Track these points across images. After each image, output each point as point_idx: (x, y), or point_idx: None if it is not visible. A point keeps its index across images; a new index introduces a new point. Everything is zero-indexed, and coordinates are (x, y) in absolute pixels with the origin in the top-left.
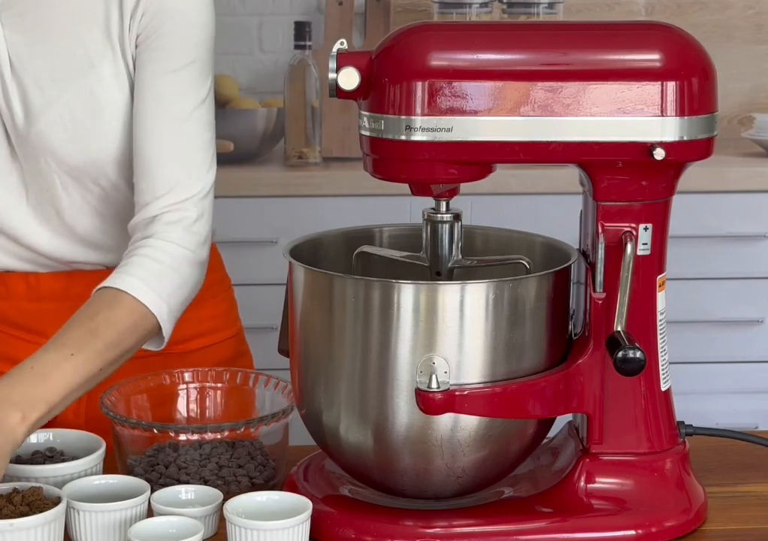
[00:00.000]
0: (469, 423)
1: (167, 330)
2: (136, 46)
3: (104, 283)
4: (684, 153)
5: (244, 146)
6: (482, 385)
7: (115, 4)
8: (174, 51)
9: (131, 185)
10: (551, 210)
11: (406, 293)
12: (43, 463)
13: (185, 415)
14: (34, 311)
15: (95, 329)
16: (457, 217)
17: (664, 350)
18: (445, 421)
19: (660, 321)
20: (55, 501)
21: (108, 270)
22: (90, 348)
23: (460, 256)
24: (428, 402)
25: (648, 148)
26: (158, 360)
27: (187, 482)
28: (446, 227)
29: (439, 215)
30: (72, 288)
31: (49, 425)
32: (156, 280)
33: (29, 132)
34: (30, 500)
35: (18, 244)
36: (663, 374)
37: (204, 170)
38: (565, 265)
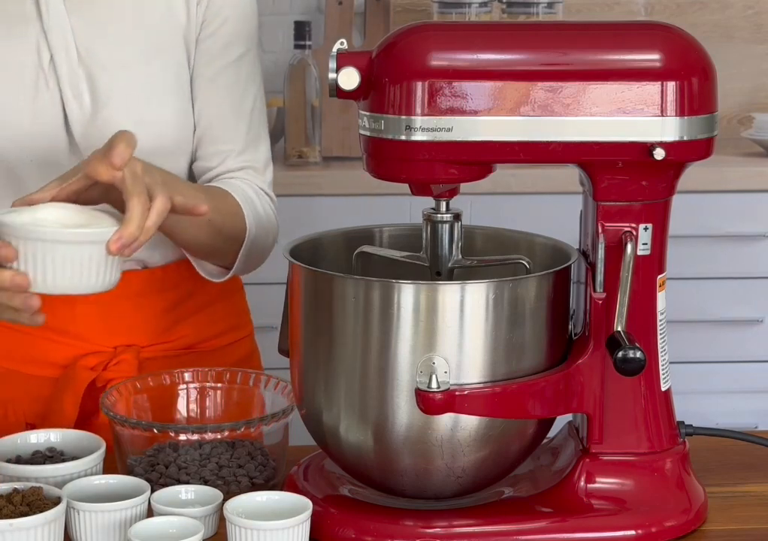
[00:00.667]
0: (469, 423)
1: (240, 261)
2: (198, 33)
3: (216, 184)
4: (684, 153)
5: None
6: (482, 385)
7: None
8: (238, 39)
9: (187, 174)
10: (551, 210)
11: (406, 293)
12: (43, 463)
13: (185, 415)
14: (68, 313)
15: (211, 193)
16: (457, 217)
17: (664, 350)
18: (445, 421)
19: (660, 321)
20: (55, 501)
21: (144, 270)
22: (204, 197)
23: (460, 256)
24: (428, 402)
25: (648, 148)
26: (176, 361)
27: (187, 482)
28: (446, 227)
29: (439, 215)
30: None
31: (49, 425)
32: (251, 210)
33: (96, 119)
34: (30, 500)
35: None
36: (663, 374)
37: (264, 142)
38: (565, 265)
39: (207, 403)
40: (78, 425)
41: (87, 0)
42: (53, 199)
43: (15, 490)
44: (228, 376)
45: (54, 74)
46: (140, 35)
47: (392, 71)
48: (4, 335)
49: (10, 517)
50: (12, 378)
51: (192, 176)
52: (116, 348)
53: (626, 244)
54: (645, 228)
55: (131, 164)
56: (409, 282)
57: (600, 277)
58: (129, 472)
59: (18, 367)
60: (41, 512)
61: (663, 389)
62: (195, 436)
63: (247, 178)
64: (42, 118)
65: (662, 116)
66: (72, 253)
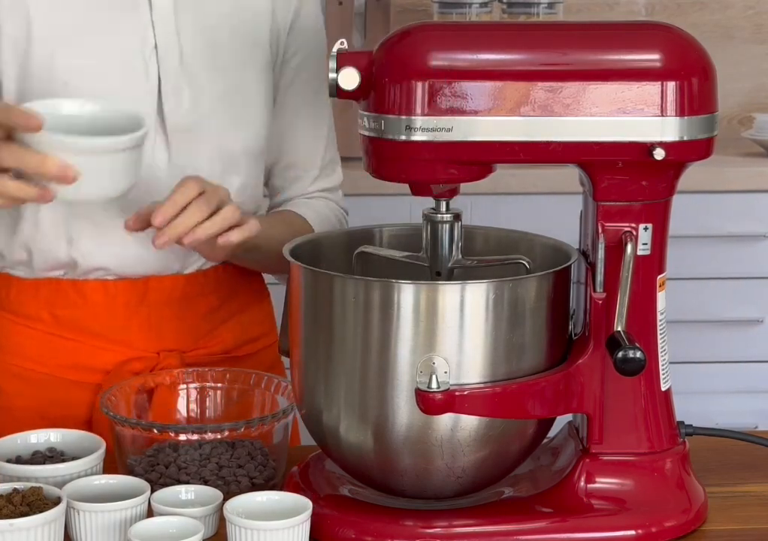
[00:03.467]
0: (469, 423)
1: None
2: (283, 56)
3: (289, 208)
4: (684, 153)
5: None
6: (482, 385)
7: (272, 17)
8: (315, 70)
9: (258, 185)
10: (551, 210)
11: (406, 293)
12: (43, 463)
13: (185, 415)
14: (112, 319)
15: (285, 221)
16: (457, 217)
17: (664, 350)
18: (445, 421)
19: (660, 321)
20: (56, 501)
21: (186, 275)
22: (285, 228)
23: (460, 256)
24: (428, 402)
25: (648, 148)
26: (216, 366)
27: (187, 482)
28: (446, 227)
29: (439, 215)
30: (149, 294)
31: (49, 425)
32: (321, 223)
33: (191, 117)
34: (30, 500)
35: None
36: (663, 374)
37: (338, 165)
38: (565, 265)
39: (207, 403)
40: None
41: (195, 2)
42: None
43: (15, 490)
44: (228, 376)
45: (156, 65)
46: (238, 42)
47: (392, 71)
48: (46, 341)
49: (10, 517)
50: (48, 383)
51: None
52: (159, 353)
53: (626, 244)
54: (645, 228)
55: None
56: (409, 282)
57: (600, 277)
58: (129, 472)
59: (59, 372)
60: (41, 512)
61: (663, 389)
62: (195, 436)
63: (323, 197)
64: (136, 104)
65: (662, 116)
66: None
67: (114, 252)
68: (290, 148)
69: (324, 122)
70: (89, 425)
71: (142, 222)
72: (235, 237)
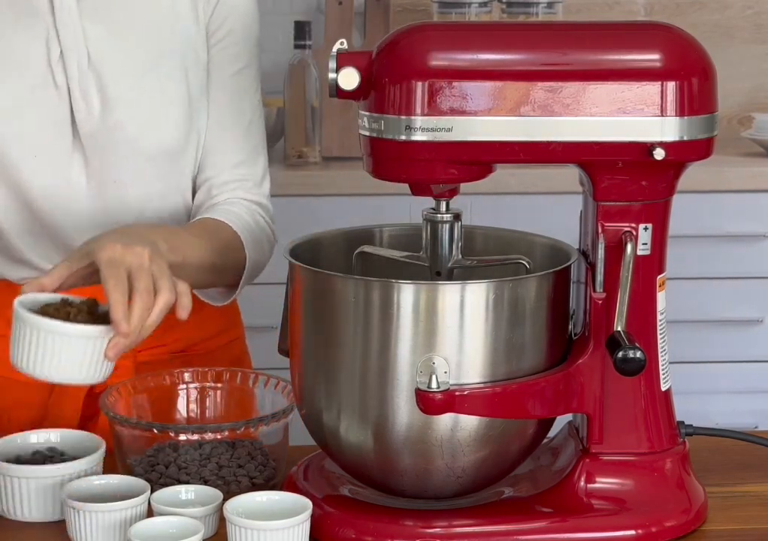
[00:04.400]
0: (469, 423)
1: (242, 283)
2: (208, 41)
3: (206, 215)
4: (684, 153)
5: None
6: (482, 385)
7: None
8: (241, 51)
9: (190, 183)
10: (551, 210)
11: (406, 293)
12: (43, 463)
13: (185, 415)
14: None
15: (209, 234)
16: (457, 217)
17: (664, 350)
18: (445, 421)
19: (660, 321)
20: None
21: None
22: (205, 244)
23: (460, 256)
24: (428, 402)
25: (648, 148)
26: (170, 364)
27: (187, 482)
28: (446, 227)
29: (439, 215)
30: (99, 295)
31: (49, 425)
32: (250, 235)
33: (105, 122)
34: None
35: (65, 244)
36: (663, 374)
37: (262, 154)
38: (565, 265)
39: (207, 403)
40: (78, 425)
41: (100, 4)
42: (61, 285)
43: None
44: (228, 376)
45: (63, 71)
46: (149, 41)
47: (392, 71)
48: None
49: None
50: (6, 386)
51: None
52: None
53: (626, 244)
54: (645, 228)
55: (129, 257)
56: (409, 282)
57: (600, 277)
58: (129, 472)
59: (12, 374)
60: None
61: (663, 389)
62: (195, 436)
63: (244, 197)
64: (47, 113)
65: (662, 116)
66: (69, 345)
67: (42, 263)
68: (210, 134)
69: (246, 106)
70: (41, 426)
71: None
72: (185, 304)
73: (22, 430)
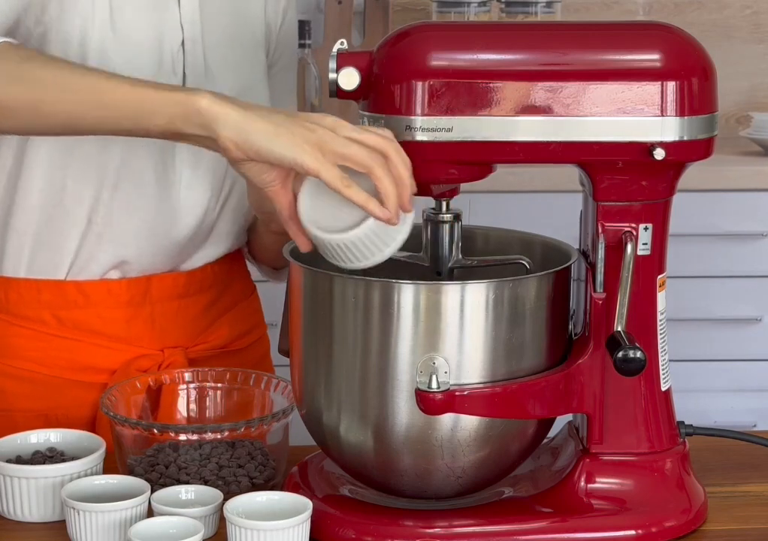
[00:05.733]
0: (469, 423)
1: None
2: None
3: None
4: (684, 153)
5: None
6: (482, 385)
7: (264, 21)
8: (290, 74)
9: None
10: (551, 209)
11: (406, 293)
12: (43, 463)
13: (185, 415)
14: (115, 318)
15: None
16: (457, 217)
17: (664, 350)
18: (445, 421)
19: (661, 321)
20: None
21: (185, 272)
22: None
23: (460, 256)
24: (428, 402)
25: (648, 148)
26: (216, 360)
27: (187, 482)
28: (446, 227)
29: (439, 215)
30: (151, 292)
31: (49, 425)
32: None
33: None
34: None
35: (160, 235)
36: (663, 374)
37: None
38: (565, 265)
39: (207, 403)
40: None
41: (216, 2)
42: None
43: None
44: (228, 376)
45: (182, 62)
46: (248, 41)
47: (392, 71)
48: (47, 342)
49: None
50: (53, 385)
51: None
52: (163, 350)
53: (626, 244)
54: (645, 228)
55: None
56: (409, 282)
57: (600, 277)
58: (129, 472)
59: (63, 374)
60: None
61: (663, 389)
62: (195, 436)
63: None
64: None
65: (662, 116)
66: None
67: (116, 253)
68: None
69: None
70: (92, 426)
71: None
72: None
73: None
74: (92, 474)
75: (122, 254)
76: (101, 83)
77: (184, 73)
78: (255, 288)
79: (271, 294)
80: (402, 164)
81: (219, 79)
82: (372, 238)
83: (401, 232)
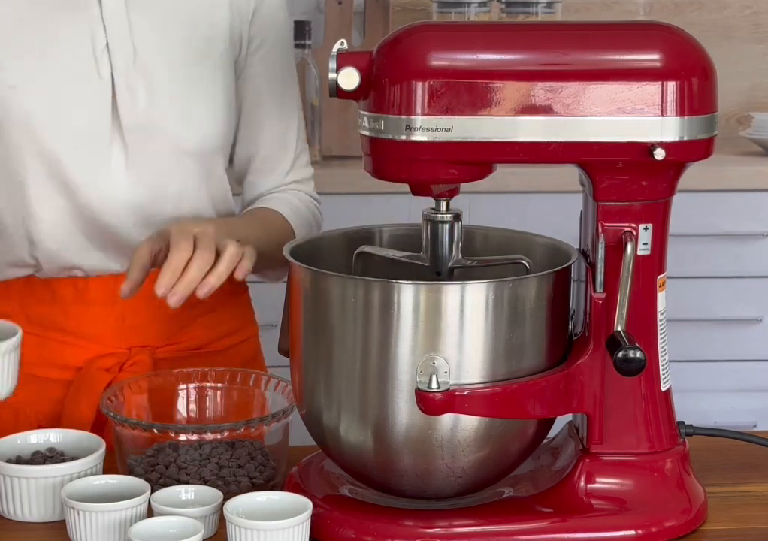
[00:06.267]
0: (469, 423)
1: None
2: (247, 48)
3: (259, 205)
4: (684, 153)
5: None
6: (482, 385)
7: (230, 9)
8: (281, 60)
9: (224, 177)
10: (551, 209)
11: (406, 293)
12: (43, 463)
13: (185, 415)
14: (82, 315)
15: (260, 223)
16: (457, 217)
17: (664, 350)
18: (445, 421)
19: (661, 321)
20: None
21: (154, 272)
22: (257, 233)
23: (460, 256)
24: (428, 402)
25: (648, 148)
26: (187, 361)
27: (187, 482)
28: (446, 227)
29: (439, 215)
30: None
31: (65, 422)
32: (299, 219)
33: (148, 115)
34: None
35: (100, 235)
36: (663, 374)
37: (307, 156)
38: (565, 265)
39: (207, 403)
40: (95, 427)
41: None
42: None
43: None
44: (228, 376)
45: (108, 63)
46: (193, 37)
47: (392, 71)
48: None
49: None
50: (24, 380)
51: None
52: (130, 349)
53: (626, 244)
54: (646, 228)
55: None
56: (409, 282)
57: (600, 277)
58: (129, 472)
59: (30, 369)
60: None
61: (663, 389)
62: (195, 436)
63: (294, 179)
64: (90, 105)
65: (662, 116)
66: None
67: (79, 255)
68: (261, 141)
69: (293, 113)
70: (58, 422)
71: (137, 288)
72: (246, 266)
73: (39, 425)
74: (92, 474)
75: (84, 257)
76: None
77: (112, 75)
78: (247, 290)
79: (270, 295)
80: (223, 264)
81: (153, 78)
82: None
83: None
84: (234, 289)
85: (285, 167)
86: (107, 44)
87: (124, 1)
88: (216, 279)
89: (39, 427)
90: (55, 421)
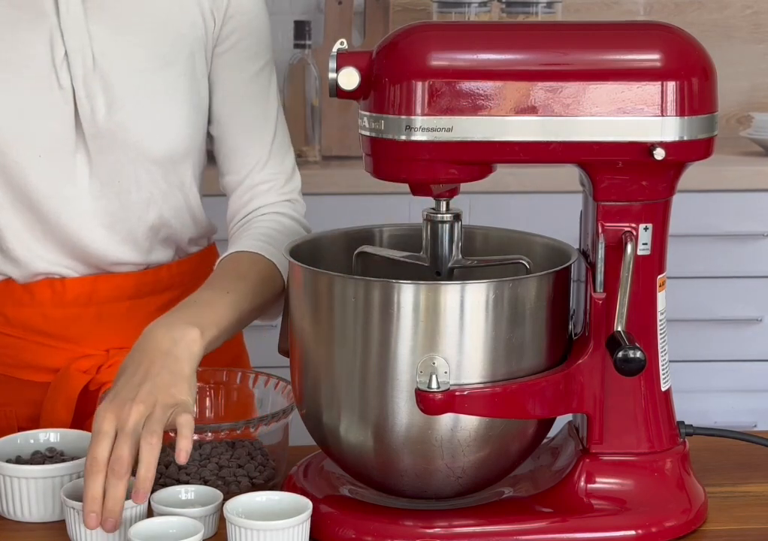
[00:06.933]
0: (469, 423)
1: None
2: (215, 46)
3: (236, 248)
4: (684, 153)
5: None
6: (482, 385)
7: (202, 5)
8: (259, 51)
9: (194, 182)
10: (551, 209)
11: (406, 293)
12: (43, 463)
13: None
14: (60, 317)
15: (243, 275)
16: (457, 217)
17: (664, 350)
18: (445, 421)
19: (661, 321)
20: None
21: (137, 273)
22: (241, 289)
23: (460, 256)
24: (428, 402)
25: (648, 148)
26: None
27: (187, 482)
28: (446, 227)
29: (439, 215)
30: (98, 292)
31: (43, 423)
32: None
33: (109, 123)
34: None
35: (68, 243)
36: (663, 374)
37: (289, 150)
38: (565, 265)
39: (207, 403)
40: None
41: (106, 5)
42: None
43: None
44: (228, 376)
45: (68, 72)
46: (156, 43)
47: (392, 71)
48: None
49: None
50: (2, 382)
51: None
52: (108, 351)
53: (626, 244)
54: (645, 228)
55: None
56: (409, 282)
57: (600, 277)
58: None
59: (8, 371)
60: None
61: (663, 389)
62: (195, 437)
63: (276, 200)
64: (51, 114)
65: (662, 116)
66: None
67: (51, 261)
68: (237, 136)
69: (270, 105)
70: (36, 424)
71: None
72: (183, 458)
73: (19, 426)
74: None
75: (55, 262)
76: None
77: (72, 85)
78: None
79: None
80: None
81: (115, 88)
82: None
83: None
84: None
85: (262, 159)
86: (66, 53)
87: (83, 10)
88: (146, 484)
89: (19, 428)
90: (34, 422)
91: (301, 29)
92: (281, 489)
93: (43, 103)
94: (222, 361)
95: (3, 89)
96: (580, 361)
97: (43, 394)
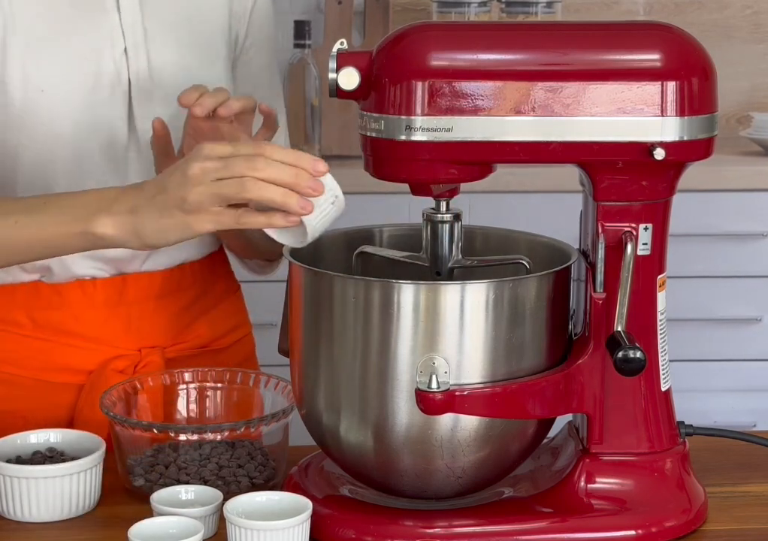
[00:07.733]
0: (469, 423)
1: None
2: (239, 54)
3: None
4: (684, 153)
5: None
6: (482, 385)
7: (229, 11)
8: (268, 60)
9: None
10: (551, 209)
11: (406, 293)
12: (43, 464)
13: (185, 415)
14: (91, 318)
15: None
16: (457, 217)
17: (664, 350)
18: (445, 421)
19: (661, 321)
20: None
21: (164, 271)
22: None
23: (460, 256)
24: (428, 402)
25: (648, 148)
26: (195, 360)
27: (187, 482)
28: (446, 227)
29: (439, 215)
30: (127, 292)
31: (28, 427)
32: None
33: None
34: None
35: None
36: (663, 374)
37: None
38: (565, 265)
39: (207, 403)
40: (77, 425)
41: (159, 3)
42: None
43: None
44: (228, 376)
45: (126, 69)
46: (200, 39)
47: (392, 71)
48: (22, 344)
49: None
50: (30, 387)
51: None
52: (140, 350)
53: (626, 244)
54: (645, 228)
55: None
56: (409, 282)
57: (600, 277)
58: (129, 472)
59: (38, 375)
60: None
61: (663, 389)
62: (195, 437)
63: None
64: (110, 110)
65: (662, 116)
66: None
67: (84, 263)
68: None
69: (279, 111)
70: (70, 426)
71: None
72: (236, 105)
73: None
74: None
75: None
76: (7, 230)
77: (129, 80)
78: (239, 288)
79: (268, 294)
80: (274, 163)
81: (166, 82)
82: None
83: (328, 200)
84: (228, 287)
85: None
86: (125, 49)
87: (140, 8)
88: (237, 102)
89: None
90: (66, 426)
91: (301, 29)
92: (281, 489)
93: (101, 98)
94: (232, 362)
95: (68, 81)
96: (580, 361)
97: (74, 396)
